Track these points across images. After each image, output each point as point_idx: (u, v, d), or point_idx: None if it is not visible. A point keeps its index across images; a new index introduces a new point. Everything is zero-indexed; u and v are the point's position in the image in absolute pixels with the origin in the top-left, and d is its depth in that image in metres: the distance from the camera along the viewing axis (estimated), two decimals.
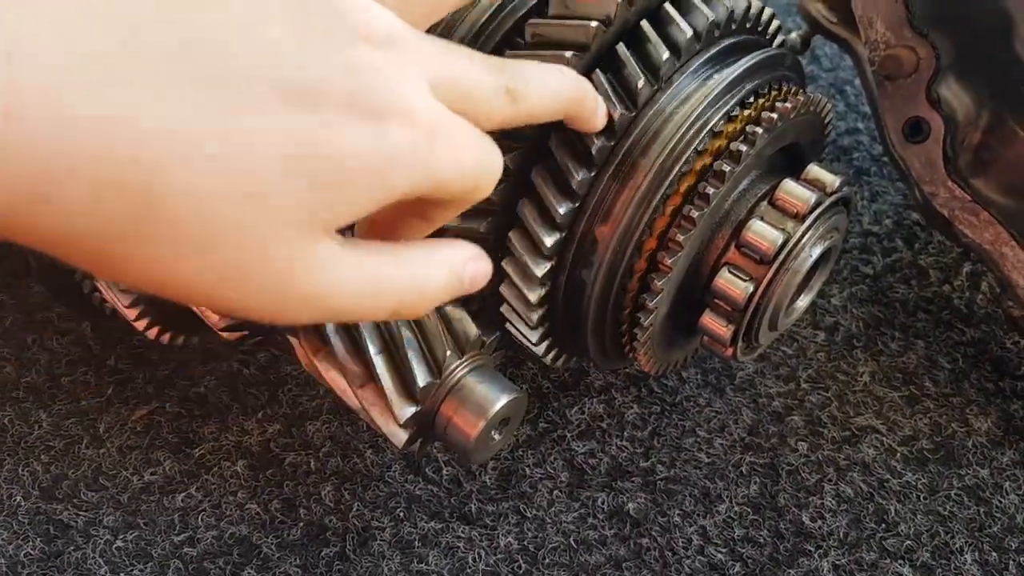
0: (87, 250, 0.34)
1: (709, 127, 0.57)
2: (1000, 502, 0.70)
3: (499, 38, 0.63)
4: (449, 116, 0.41)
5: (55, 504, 0.69)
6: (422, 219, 0.46)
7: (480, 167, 0.43)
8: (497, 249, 0.59)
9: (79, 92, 0.31)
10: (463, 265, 0.46)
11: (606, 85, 0.55)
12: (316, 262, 0.38)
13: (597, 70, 0.55)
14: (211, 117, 0.33)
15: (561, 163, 0.56)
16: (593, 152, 0.55)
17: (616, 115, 0.55)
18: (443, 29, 0.62)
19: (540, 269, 0.58)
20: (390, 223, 0.46)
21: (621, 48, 0.56)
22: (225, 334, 0.65)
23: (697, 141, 0.57)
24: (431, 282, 0.44)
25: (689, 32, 0.57)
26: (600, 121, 0.54)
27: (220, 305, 0.38)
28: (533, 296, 0.59)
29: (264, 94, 0.35)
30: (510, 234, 0.58)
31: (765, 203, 0.60)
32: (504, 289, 0.61)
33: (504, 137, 0.54)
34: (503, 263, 0.60)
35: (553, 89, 0.49)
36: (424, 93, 0.40)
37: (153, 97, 0.32)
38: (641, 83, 0.56)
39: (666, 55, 0.56)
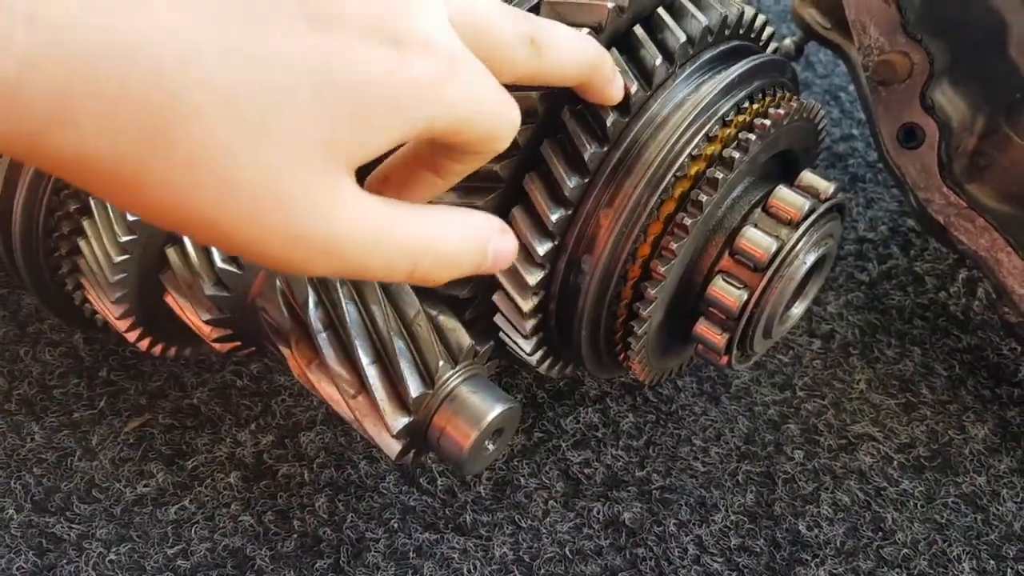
0: (105, 174, 0.33)
1: (703, 133, 0.57)
2: (997, 509, 0.70)
3: None
4: (471, 56, 0.40)
5: (47, 517, 0.68)
6: (436, 174, 0.45)
7: (500, 113, 0.42)
8: None
9: (106, 8, 0.31)
10: (488, 237, 0.44)
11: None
12: (333, 201, 0.37)
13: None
14: (236, 38, 0.33)
15: (553, 170, 0.55)
16: (586, 159, 0.55)
17: (633, 89, 0.55)
18: None
19: (533, 277, 0.58)
20: (403, 180, 0.45)
21: (613, 54, 0.56)
22: (217, 345, 0.65)
23: (691, 147, 0.56)
24: (450, 246, 0.42)
25: (683, 38, 0.57)
26: (617, 92, 0.53)
27: (237, 243, 0.36)
28: (526, 305, 0.59)
29: (291, 17, 0.34)
30: None
31: (759, 210, 0.60)
32: (497, 298, 0.60)
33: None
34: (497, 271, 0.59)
35: (577, 47, 0.48)
36: (447, 28, 0.39)
37: (178, 17, 0.32)
38: (634, 89, 0.56)
39: (659, 61, 0.56)
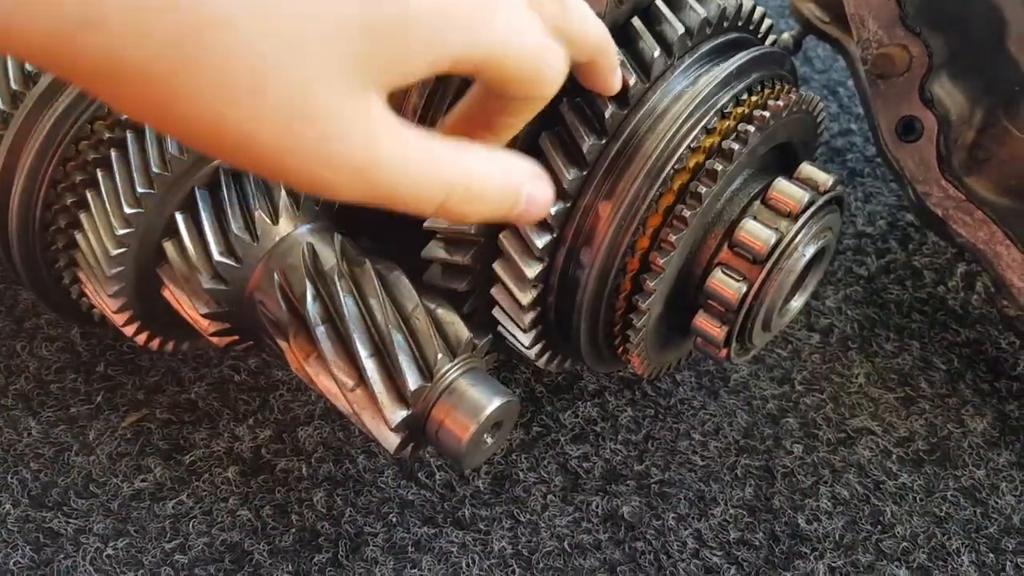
0: (135, 83, 0.32)
1: (701, 125, 0.57)
2: (996, 503, 0.70)
3: None
4: None
5: (45, 512, 0.68)
6: (488, 129, 0.45)
7: (541, 54, 0.42)
8: (489, 252, 0.59)
9: None
10: (523, 181, 0.44)
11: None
12: (368, 121, 0.36)
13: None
14: None
15: (552, 162, 0.55)
16: (584, 151, 0.55)
17: (631, 81, 0.55)
18: None
19: (532, 270, 0.57)
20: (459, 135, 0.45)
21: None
22: (215, 339, 0.64)
23: (690, 139, 0.56)
24: (485, 181, 0.41)
25: (681, 29, 0.57)
26: (617, 82, 0.53)
27: (267, 161, 0.36)
28: (525, 298, 0.59)
29: None
30: (501, 236, 0.58)
31: (758, 202, 0.60)
32: (496, 292, 0.60)
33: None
34: (494, 265, 0.59)
35: (594, 21, 0.48)
36: None
37: None
38: (633, 81, 0.55)
39: (657, 52, 0.56)
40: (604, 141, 0.56)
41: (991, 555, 0.67)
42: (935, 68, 0.69)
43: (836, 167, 0.92)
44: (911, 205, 0.74)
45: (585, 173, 0.56)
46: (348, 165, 0.36)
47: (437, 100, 0.63)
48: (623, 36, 0.57)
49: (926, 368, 0.77)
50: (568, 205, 0.56)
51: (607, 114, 0.55)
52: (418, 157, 0.38)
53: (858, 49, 0.71)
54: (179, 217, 0.61)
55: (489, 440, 0.58)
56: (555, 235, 0.57)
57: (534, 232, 0.56)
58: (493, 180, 0.42)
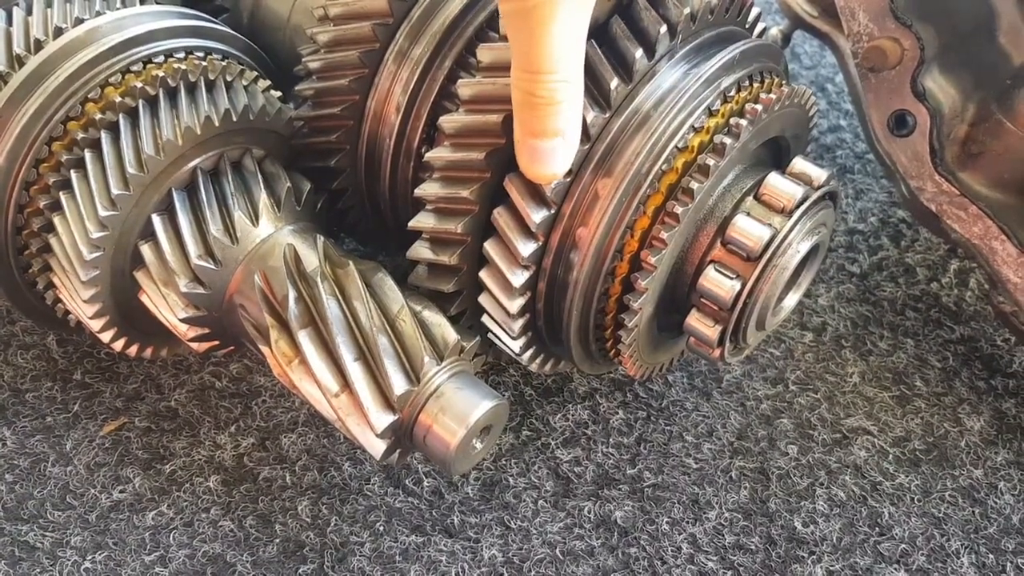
0: None
1: (689, 123, 0.55)
2: (995, 503, 0.69)
3: (470, 34, 0.61)
4: None
5: (20, 525, 0.66)
6: None
7: None
8: (476, 252, 0.57)
9: None
10: None
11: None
12: None
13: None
14: None
15: None
16: None
17: (613, 85, 0.53)
18: (417, 21, 0.61)
19: (518, 279, 0.56)
20: None
21: (592, 47, 0.54)
22: (194, 345, 0.63)
23: (676, 139, 0.55)
24: None
25: (663, 26, 0.55)
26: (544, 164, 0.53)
27: None
28: (513, 306, 0.57)
29: None
30: (486, 244, 0.57)
31: (750, 198, 0.59)
32: (483, 300, 0.59)
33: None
34: (480, 273, 0.58)
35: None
36: None
37: None
38: (615, 83, 0.54)
39: (639, 53, 0.54)
40: (588, 145, 0.54)
41: (991, 556, 0.66)
42: (927, 61, 0.68)
43: (826, 164, 0.91)
44: (904, 201, 0.73)
45: (570, 179, 0.54)
46: None
47: (421, 97, 0.62)
48: (603, 35, 0.55)
49: (921, 366, 0.76)
50: (553, 212, 0.55)
51: (590, 119, 0.53)
52: None
53: (848, 43, 0.70)
54: (156, 219, 0.59)
55: (478, 445, 0.57)
56: (541, 242, 0.55)
57: (519, 240, 0.55)
58: None
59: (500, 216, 0.55)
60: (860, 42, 0.69)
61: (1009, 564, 0.66)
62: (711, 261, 0.58)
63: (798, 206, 0.58)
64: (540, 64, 0.46)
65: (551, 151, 0.49)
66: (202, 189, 0.60)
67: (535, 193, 0.54)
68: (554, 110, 0.48)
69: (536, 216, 0.54)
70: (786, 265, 0.58)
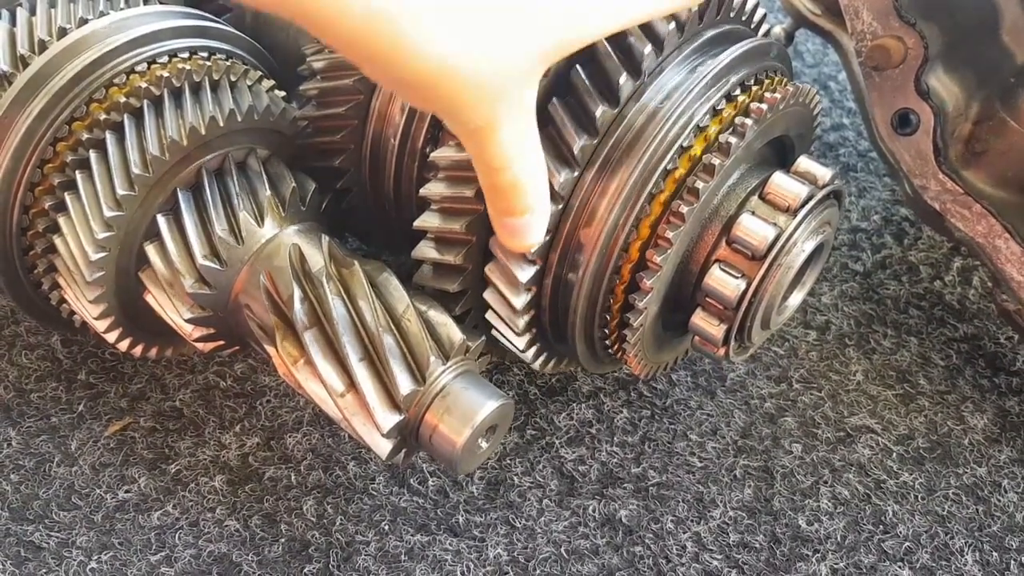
0: None
1: (695, 121, 0.55)
2: (999, 500, 0.69)
3: None
4: None
5: (26, 525, 0.66)
6: None
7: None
8: (480, 251, 0.58)
9: None
10: None
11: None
12: None
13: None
14: None
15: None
16: (576, 152, 0.54)
17: (621, 80, 0.54)
18: None
19: (525, 274, 0.56)
20: None
21: (600, 41, 0.54)
22: (200, 345, 0.63)
23: (683, 137, 0.55)
24: None
25: (671, 23, 0.55)
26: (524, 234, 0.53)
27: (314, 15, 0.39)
28: (518, 302, 0.57)
29: None
30: (492, 238, 0.57)
31: (755, 197, 0.59)
32: (488, 295, 0.59)
33: None
34: (486, 269, 0.58)
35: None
36: None
37: None
38: (623, 79, 0.54)
39: (648, 48, 0.54)
40: (596, 141, 0.54)
41: (995, 554, 0.66)
42: (930, 59, 0.68)
43: (829, 162, 0.91)
44: (907, 199, 0.73)
45: (577, 174, 0.55)
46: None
47: (417, 118, 0.62)
48: (612, 35, 0.55)
49: (924, 364, 0.76)
50: (560, 207, 0.55)
51: (598, 113, 0.53)
52: None
53: (852, 41, 0.70)
54: (161, 219, 0.59)
55: (484, 444, 0.57)
56: (548, 237, 0.55)
57: None
58: None
59: None
60: (864, 40, 0.69)
61: (1013, 561, 0.66)
62: (716, 260, 0.58)
63: (803, 205, 0.58)
64: (494, 164, 0.48)
65: (524, 226, 0.51)
66: (207, 189, 0.59)
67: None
68: (517, 193, 0.50)
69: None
70: (791, 264, 0.58)
